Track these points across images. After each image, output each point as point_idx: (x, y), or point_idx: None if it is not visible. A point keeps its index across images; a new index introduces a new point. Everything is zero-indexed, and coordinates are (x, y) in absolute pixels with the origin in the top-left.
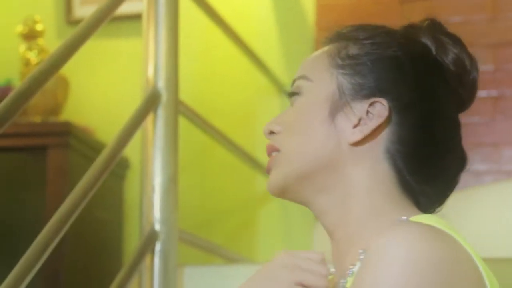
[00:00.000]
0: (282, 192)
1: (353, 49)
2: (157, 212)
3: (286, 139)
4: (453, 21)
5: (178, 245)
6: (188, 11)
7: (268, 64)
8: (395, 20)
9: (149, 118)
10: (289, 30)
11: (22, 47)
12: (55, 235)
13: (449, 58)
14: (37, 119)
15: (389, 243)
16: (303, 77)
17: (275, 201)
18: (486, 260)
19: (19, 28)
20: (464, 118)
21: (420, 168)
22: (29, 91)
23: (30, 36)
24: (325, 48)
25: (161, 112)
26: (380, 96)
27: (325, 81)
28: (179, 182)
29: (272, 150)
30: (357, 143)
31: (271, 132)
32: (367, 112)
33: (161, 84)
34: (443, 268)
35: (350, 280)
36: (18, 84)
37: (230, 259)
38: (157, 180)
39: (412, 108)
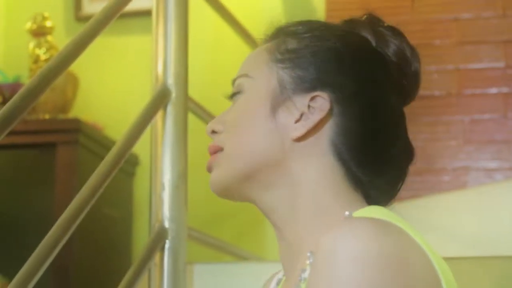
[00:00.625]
0: (225, 192)
1: (292, 43)
2: (166, 210)
3: (228, 138)
4: (463, 18)
5: (188, 242)
6: (198, 7)
7: None
8: (406, 15)
9: (159, 115)
10: None
11: (31, 44)
12: (64, 232)
13: (390, 50)
14: (46, 116)
15: (333, 243)
16: (243, 75)
17: None
18: (501, 258)
19: (28, 25)
20: (475, 114)
21: (366, 160)
22: (38, 88)
23: (39, 33)
24: (265, 46)
25: (170, 109)
26: (321, 89)
27: (265, 77)
28: (189, 179)
29: (214, 150)
30: (300, 138)
31: (213, 132)
32: (309, 106)
33: (171, 81)
34: (390, 260)
35: (303, 286)
36: (27, 81)
37: (239, 256)
38: (167, 177)
39: (354, 99)
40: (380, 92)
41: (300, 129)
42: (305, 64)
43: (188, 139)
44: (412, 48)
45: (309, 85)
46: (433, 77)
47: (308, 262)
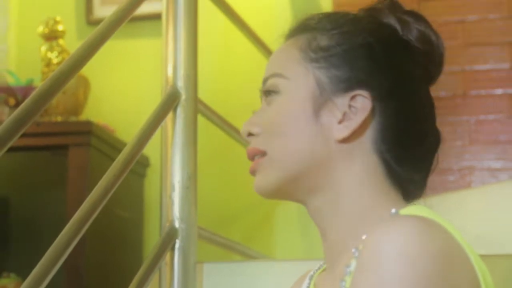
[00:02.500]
0: (272, 195)
1: (323, 40)
2: (176, 210)
3: (271, 141)
4: (469, 20)
5: (198, 242)
6: (207, 10)
7: None
8: None
9: (169, 117)
10: None
11: (43, 48)
12: (77, 233)
13: (414, 36)
14: (58, 118)
15: (382, 240)
16: (277, 75)
17: None
18: (506, 257)
19: (40, 29)
20: (480, 115)
21: (407, 155)
22: (51, 91)
23: (51, 36)
24: (292, 41)
25: (180, 111)
26: (359, 87)
27: (302, 77)
28: (198, 180)
29: (255, 153)
30: (344, 139)
31: (250, 134)
32: (349, 106)
33: (181, 83)
34: (438, 259)
35: (348, 279)
36: (39, 84)
37: (248, 255)
38: (177, 178)
39: (392, 94)
40: (413, 84)
41: (345, 130)
42: (340, 63)
43: (197, 140)
44: (436, 33)
45: (347, 85)
46: (439, 78)
47: (353, 257)
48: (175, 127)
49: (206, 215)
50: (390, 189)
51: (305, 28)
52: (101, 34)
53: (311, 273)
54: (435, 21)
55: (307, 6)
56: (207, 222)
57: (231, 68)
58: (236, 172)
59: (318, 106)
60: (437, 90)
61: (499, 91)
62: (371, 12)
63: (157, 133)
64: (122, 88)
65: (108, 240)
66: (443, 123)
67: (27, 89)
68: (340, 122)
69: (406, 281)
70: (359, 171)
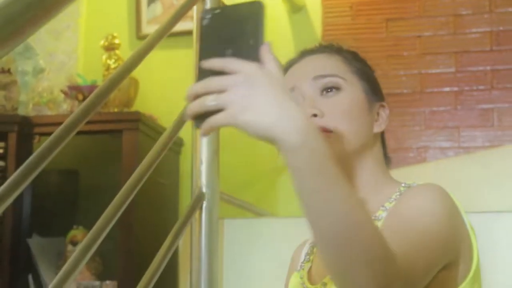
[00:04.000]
0: None
1: (354, 64)
2: (204, 178)
3: (338, 123)
4: (425, 35)
5: (220, 203)
6: None
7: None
8: (382, 34)
9: None
10: (301, 43)
11: (104, 56)
12: (128, 196)
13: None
14: (115, 109)
15: (424, 185)
16: (336, 75)
17: None
18: None
19: (102, 42)
20: (433, 107)
21: (385, 143)
22: (109, 89)
23: (110, 48)
24: (330, 56)
25: None
26: (381, 100)
27: (355, 82)
28: (220, 155)
29: (323, 130)
30: (377, 132)
31: (315, 115)
32: (378, 112)
33: None
34: (451, 204)
35: (381, 212)
36: (101, 83)
37: (258, 213)
38: (204, 154)
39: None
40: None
41: (380, 127)
42: (367, 80)
43: None
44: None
45: (376, 96)
46: (401, 79)
47: (381, 209)
48: None
49: (226, 182)
50: (385, 165)
51: (337, 51)
52: (147, 45)
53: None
54: (399, 36)
55: (301, 24)
56: (227, 187)
57: None
58: (250, 148)
59: (369, 105)
60: (400, 88)
61: (447, 88)
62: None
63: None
64: (163, 87)
65: (152, 202)
66: (405, 113)
67: (92, 87)
68: (376, 120)
69: (435, 203)
70: (376, 154)
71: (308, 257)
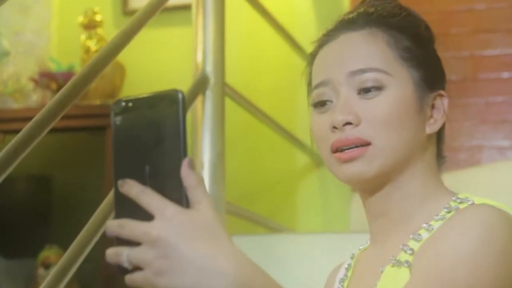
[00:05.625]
0: (371, 180)
1: (406, 42)
2: (206, 186)
3: (378, 132)
4: (477, 8)
5: (225, 216)
6: (234, 1)
7: (306, 49)
8: (427, 6)
9: (198, 100)
10: (326, 16)
11: (83, 36)
12: (113, 208)
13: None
14: (96, 101)
15: (475, 215)
16: (376, 69)
17: (314, 175)
18: None
19: (80, 19)
20: (490, 97)
21: (442, 145)
22: (89, 76)
23: (90, 26)
24: (371, 36)
25: (209, 94)
26: (439, 87)
27: (402, 75)
28: (226, 158)
29: (358, 142)
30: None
31: (347, 123)
32: (433, 104)
33: (209, 68)
34: (509, 240)
35: (414, 244)
36: (79, 69)
37: (272, 229)
38: (206, 157)
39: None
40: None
41: (434, 126)
42: (423, 64)
43: (225, 121)
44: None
45: (431, 85)
46: (450, 63)
47: (423, 229)
48: (205, 109)
49: (233, 190)
50: (438, 171)
51: (382, 23)
52: (135, 23)
53: (346, 265)
54: (445, 10)
55: (331, 6)
56: (234, 197)
57: (256, 53)
58: (262, 150)
59: (420, 103)
60: (448, 74)
61: (506, 74)
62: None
63: (188, 115)
64: (155, 73)
65: None
66: (454, 105)
67: (68, 74)
68: (429, 118)
69: (485, 242)
70: (427, 160)
71: (341, 284)
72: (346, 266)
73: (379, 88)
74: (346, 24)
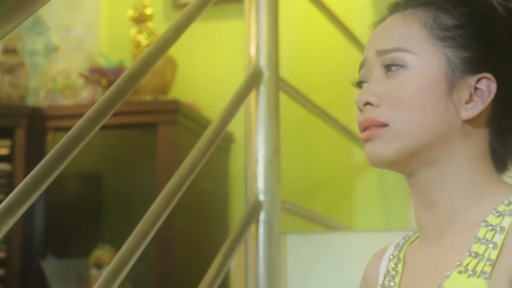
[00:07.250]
0: (387, 164)
1: (446, 19)
2: (260, 183)
3: (396, 114)
4: None
5: (281, 214)
6: None
7: (363, 41)
8: None
9: (252, 95)
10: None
11: (133, 30)
12: (166, 206)
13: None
14: (147, 97)
15: None
16: (402, 49)
17: (373, 171)
18: None
19: (130, 13)
20: None
21: (509, 135)
22: (140, 71)
23: (140, 20)
24: (410, 16)
25: (263, 88)
26: (485, 70)
27: (431, 55)
28: (281, 154)
29: (373, 124)
30: (468, 119)
31: (368, 103)
32: (475, 87)
33: (263, 62)
34: None
35: (476, 245)
36: (129, 65)
37: (329, 227)
38: (261, 153)
39: (509, 76)
40: None
41: (472, 110)
42: (466, 44)
43: (280, 116)
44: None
45: (474, 67)
46: None
47: (484, 225)
48: (258, 104)
49: (289, 188)
50: (491, 163)
51: (424, 2)
52: (186, 16)
53: (389, 253)
54: None
55: None
56: (290, 194)
57: (310, 47)
58: (318, 146)
59: (451, 85)
60: None
61: None
62: None
63: (241, 110)
64: (207, 68)
65: (196, 213)
66: None
67: (118, 70)
68: (467, 102)
69: None
70: (473, 148)
71: (393, 280)
72: (391, 257)
73: (402, 66)
74: (393, 7)
